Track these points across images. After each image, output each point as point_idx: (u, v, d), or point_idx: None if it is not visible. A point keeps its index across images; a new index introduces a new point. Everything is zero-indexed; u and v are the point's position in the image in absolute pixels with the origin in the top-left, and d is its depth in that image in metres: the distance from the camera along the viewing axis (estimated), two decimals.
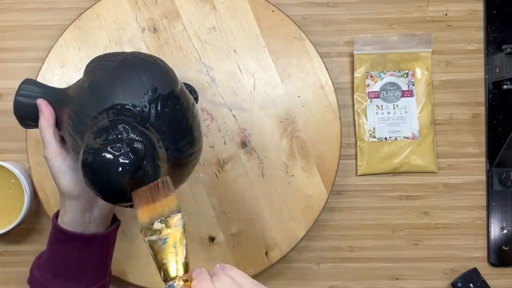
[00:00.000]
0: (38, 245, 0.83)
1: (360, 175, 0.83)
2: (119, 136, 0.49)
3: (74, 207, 0.59)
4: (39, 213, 0.82)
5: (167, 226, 0.45)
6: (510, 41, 0.82)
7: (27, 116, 0.60)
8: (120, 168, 0.47)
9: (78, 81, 0.59)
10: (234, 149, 0.79)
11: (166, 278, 0.44)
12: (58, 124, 0.59)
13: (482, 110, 0.83)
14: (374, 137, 0.82)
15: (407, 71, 0.82)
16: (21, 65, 0.82)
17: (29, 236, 0.83)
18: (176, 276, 0.44)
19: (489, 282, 0.82)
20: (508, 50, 0.80)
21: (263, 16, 0.79)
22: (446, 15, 0.83)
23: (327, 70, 0.79)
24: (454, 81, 0.83)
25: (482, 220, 0.83)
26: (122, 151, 0.48)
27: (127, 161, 0.47)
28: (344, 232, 0.83)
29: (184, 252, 0.45)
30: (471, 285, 0.81)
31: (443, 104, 0.83)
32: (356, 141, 0.83)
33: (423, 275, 0.83)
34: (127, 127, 0.50)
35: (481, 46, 0.83)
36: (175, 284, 0.44)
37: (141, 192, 0.48)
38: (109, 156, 0.47)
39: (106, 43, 0.78)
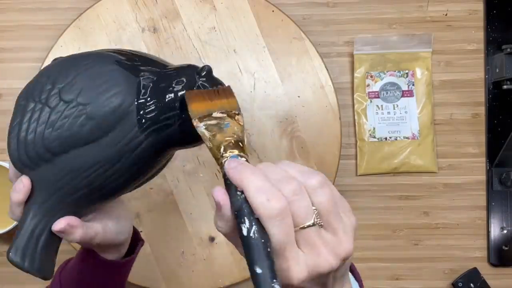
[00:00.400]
0: None
1: (360, 175, 0.83)
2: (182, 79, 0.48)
3: (119, 249, 0.57)
4: None
5: (229, 116, 0.42)
6: (510, 41, 0.82)
7: (52, 248, 0.51)
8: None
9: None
10: None
11: (226, 150, 0.39)
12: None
13: (482, 110, 0.83)
14: (374, 137, 0.82)
15: (407, 71, 0.82)
16: (21, 65, 0.82)
17: None
18: (237, 151, 0.39)
19: (489, 282, 0.82)
20: (508, 50, 0.80)
21: (263, 16, 0.79)
22: (446, 15, 0.83)
23: (327, 70, 0.79)
24: (454, 81, 0.83)
25: (482, 220, 0.83)
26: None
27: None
28: None
29: (246, 140, 0.42)
30: (471, 285, 0.81)
31: (443, 104, 0.83)
32: (356, 141, 0.83)
33: (423, 275, 0.83)
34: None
35: (481, 46, 0.83)
36: (239, 158, 0.38)
37: (197, 92, 0.46)
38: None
39: (106, 43, 0.78)
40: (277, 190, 0.34)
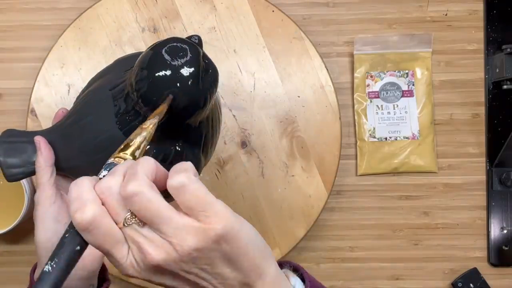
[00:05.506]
0: None
1: (360, 175, 0.83)
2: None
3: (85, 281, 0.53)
4: None
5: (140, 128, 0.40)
6: (510, 41, 0.82)
7: (16, 163, 0.54)
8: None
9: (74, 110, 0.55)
10: (234, 149, 0.79)
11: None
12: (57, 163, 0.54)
13: (482, 110, 0.83)
14: (374, 137, 0.82)
15: (407, 71, 0.82)
16: (21, 65, 0.82)
17: (29, 236, 0.83)
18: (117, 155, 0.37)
19: (489, 282, 0.81)
20: (508, 50, 0.80)
21: (263, 16, 0.79)
22: (446, 15, 0.83)
23: (327, 70, 0.79)
24: (454, 81, 0.83)
25: (482, 220, 0.83)
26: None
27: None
28: (344, 232, 0.83)
29: (138, 140, 0.38)
30: (471, 285, 0.81)
31: (443, 104, 0.83)
32: (356, 141, 0.83)
33: (423, 275, 0.83)
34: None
35: (481, 46, 0.83)
36: (109, 161, 0.37)
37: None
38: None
39: (106, 43, 0.78)
40: (87, 200, 0.33)
